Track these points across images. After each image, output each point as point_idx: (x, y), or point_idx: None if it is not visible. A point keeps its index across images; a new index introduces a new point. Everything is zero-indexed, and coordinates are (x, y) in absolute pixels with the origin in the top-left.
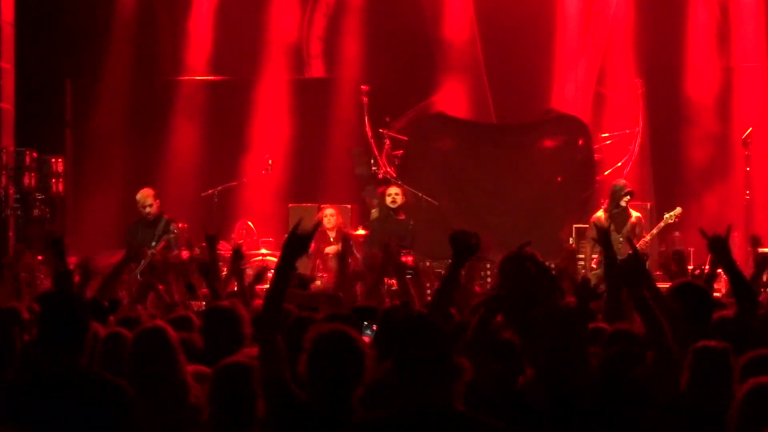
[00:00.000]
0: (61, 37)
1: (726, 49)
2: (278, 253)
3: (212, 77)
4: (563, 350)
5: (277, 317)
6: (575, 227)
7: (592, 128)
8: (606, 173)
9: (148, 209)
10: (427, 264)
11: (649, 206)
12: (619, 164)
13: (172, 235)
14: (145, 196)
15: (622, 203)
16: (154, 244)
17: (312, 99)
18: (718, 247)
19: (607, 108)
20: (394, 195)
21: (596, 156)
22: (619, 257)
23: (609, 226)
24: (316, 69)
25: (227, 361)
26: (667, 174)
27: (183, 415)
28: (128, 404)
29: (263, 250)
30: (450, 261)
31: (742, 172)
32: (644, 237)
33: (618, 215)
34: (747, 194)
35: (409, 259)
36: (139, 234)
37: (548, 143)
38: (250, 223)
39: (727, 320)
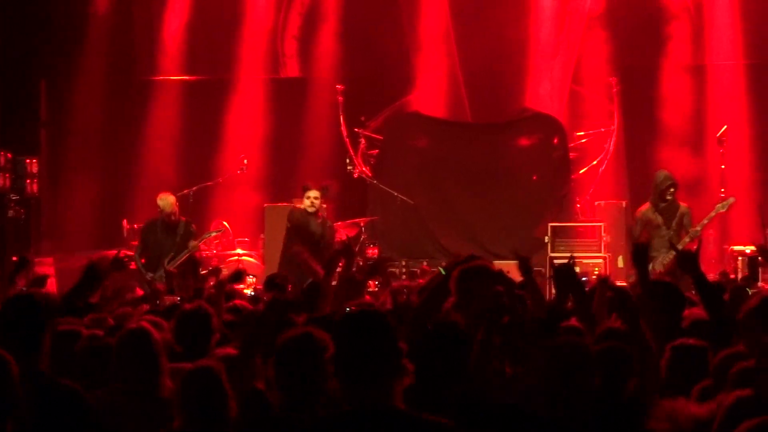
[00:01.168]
0: (36, 38)
1: (700, 47)
2: (253, 253)
3: (187, 77)
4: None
5: None
6: (551, 225)
7: (568, 127)
8: (581, 171)
9: (173, 218)
10: (424, 264)
11: (624, 204)
12: (595, 162)
13: (192, 246)
14: (171, 203)
15: (668, 197)
16: (172, 255)
17: (287, 98)
18: (688, 262)
19: (583, 106)
20: (313, 198)
21: (572, 154)
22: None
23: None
24: (291, 68)
25: (197, 364)
26: (643, 172)
27: (162, 414)
28: (82, 408)
29: (239, 250)
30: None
31: (716, 170)
32: (695, 227)
33: (666, 209)
34: (722, 192)
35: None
36: (158, 236)
37: (524, 142)
38: (225, 223)
39: (702, 322)
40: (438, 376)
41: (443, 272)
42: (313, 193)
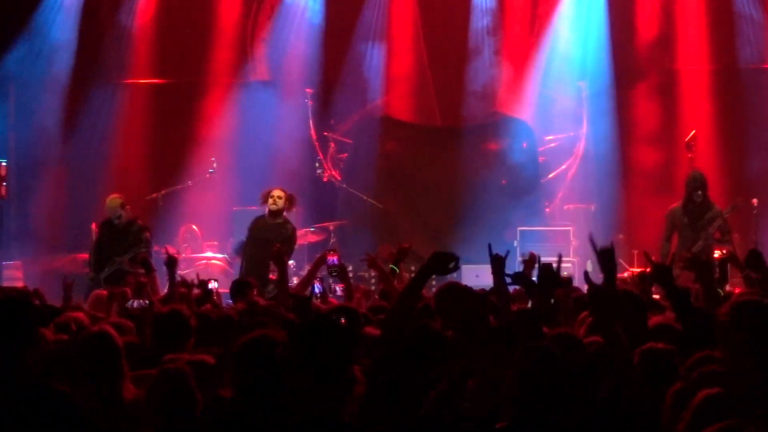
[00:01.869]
0: (4, 40)
1: (670, 51)
2: (222, 257)
3: (157, 80)
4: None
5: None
6: (520, 229)
7: (537, 131)
8: (550, 176)
9: (116, 221)
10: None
11: (592, 208)
12: (564, 166)
13: (143, 250)
14: (114, 206)
15: (696, 199)
16: (126, 256)
17: (256, 102)
18: (662, 276)
19: (552, 110)
20: (276, 197)
21: (541, 158)
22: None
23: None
24: (261, 72)
25: (166, 366)
26: (611, 176)
27: (125, 419)
28: (72, 413)
29: (208, 253)
30: (419, 271)
31: (685, 175)
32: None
33: (694, 211)
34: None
35: (335, 258)
36: (106, 237)
37: (493, 146)
38: (194, 226)
39: (669, 325)
40: (413, 381)
41: (396, 270)
42: (277, 192)
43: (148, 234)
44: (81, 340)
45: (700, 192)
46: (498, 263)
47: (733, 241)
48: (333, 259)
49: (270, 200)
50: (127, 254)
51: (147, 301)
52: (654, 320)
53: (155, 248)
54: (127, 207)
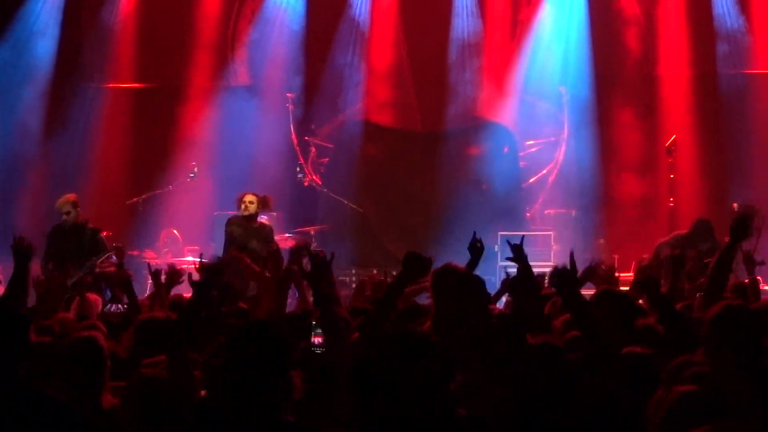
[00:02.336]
0: None
1: (650, 57)
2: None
3: (138, 84)
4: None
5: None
6: (500, 234)
7: (518, 135)
8: (531, 180)
9: (64, 216)
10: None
11: (573, 213)
12: (545, 171)
13: (110, 252)
14: (62, 202)
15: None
16: (94, 259)
17: (237, 106)
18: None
19: (533, 115)
20: (247, 203)
21: (522, 163)
22: None
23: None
24: (242, 76)
25: (142, 372)
26: (592, 181)
27: (102, 423)
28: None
29: (189, 258)
30: (398, 275)
31: (666, 180)
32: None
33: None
34: (671, 202)
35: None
36: (60, 243)
37: (474, 151)
38: (175, 231)
39: (651, 327)
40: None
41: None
42: (248, 198)
43: (103, 235)
44: (68, 345)
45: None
46: (519, 251)
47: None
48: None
49: (242, 206)
50: (96, 258)
51: (124, 306)
52: (638, 322)
53: (134, 252)
54: (79, 209)
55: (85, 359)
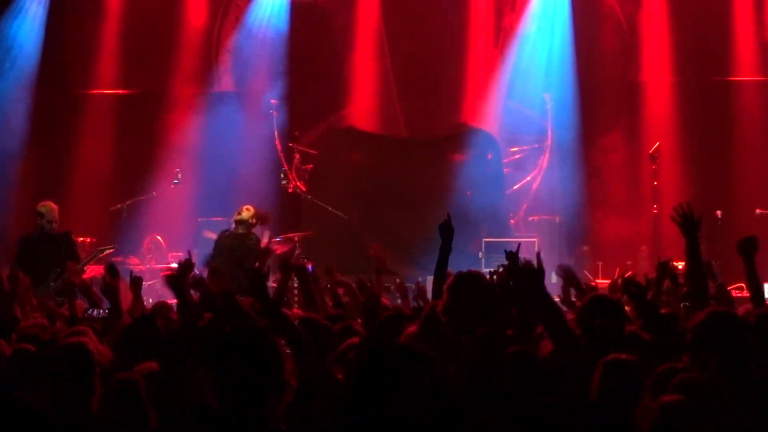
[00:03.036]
0: None
1: (634, 63)
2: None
3: (121, 90)
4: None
5: None
6: (485, 241)
7: (502, 142)
8: (515, 187)
9: (54, 225)
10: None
11: (557, 220)
12: (529, 178)
13: (78, 269)
14: (52, 210)
15: None
16: (59, 270)
17: (221, 112)
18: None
19: (517, 122)
20: (243, 209)
21: (506, 170)
22: None
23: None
24: (226, 83)
25: (120, 376)
26: (576, 188)
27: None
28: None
29: (173, 264)
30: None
31: (649, 186)
32: None
33: None
34: (655, 208)
35: (311, 266)
36: (39, 249)
37: (458, 157)
38: (159, 237)
39: (637, 335)
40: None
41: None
42: (246, 206)
43: (76, 238)
44: (57, 351)
45: None
46: (513, 258)
47: None
48: (309, 267)
49: (236, 212)
50: (84, 262)
51: (105, 311)
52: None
53: (118, 259)
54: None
55: (73, 366)
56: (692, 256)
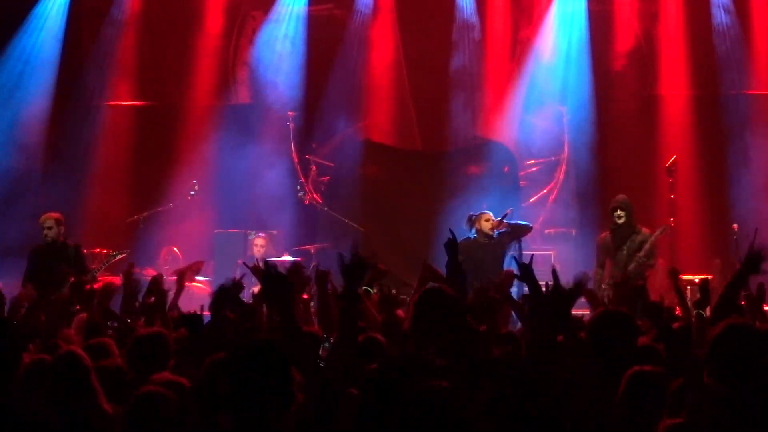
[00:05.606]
0: None
1: (650, 77)
2: (203, 280)
3: (138, 102)
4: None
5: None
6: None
7: (518, 155)
8: (531, 200)
9: (46, 231)
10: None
11: (573, 233)
12: (545, 191)
13: (113, 260)
14: (45, 217)
15: (617, 220)
16: (94, 272)
17: (238, 125)
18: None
19: (533, 135)
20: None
21: (522, 183)
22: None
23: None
24: (243, 95)
25: (144, 389)
26: (592, 201)
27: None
28: None
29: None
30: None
31: (666, 200)
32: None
33: (617, 233)
34: (671, 222)
35: None
36: (42, 262)
37: (474, 170)
38: (175, 249)
39: (652, 347)
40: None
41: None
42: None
43: (84, 251)
44: (51, 362)
45: (620, 212)
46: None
47: (656, 265)
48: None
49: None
50: (97, 269)
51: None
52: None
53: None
54: (62, 228)
55: (68, 374)
56: (734, 287)
